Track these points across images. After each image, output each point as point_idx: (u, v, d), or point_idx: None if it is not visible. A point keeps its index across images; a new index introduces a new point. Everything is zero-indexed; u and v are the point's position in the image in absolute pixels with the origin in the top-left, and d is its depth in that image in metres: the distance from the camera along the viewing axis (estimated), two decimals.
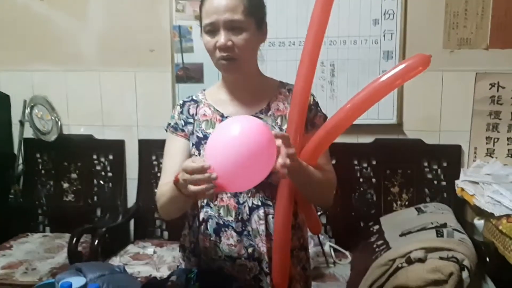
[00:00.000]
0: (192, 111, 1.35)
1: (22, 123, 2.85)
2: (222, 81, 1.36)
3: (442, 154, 2.61)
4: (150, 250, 2.62)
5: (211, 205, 1.30)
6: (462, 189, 2.41)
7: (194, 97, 1.37)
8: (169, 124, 1.37)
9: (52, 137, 2.85)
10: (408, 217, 2.35)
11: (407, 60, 1.11)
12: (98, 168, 2.93)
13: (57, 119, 2.90)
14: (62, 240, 2.72)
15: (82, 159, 2.93)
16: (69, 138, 2.93)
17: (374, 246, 2.24)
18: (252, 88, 1.32)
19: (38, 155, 2.97)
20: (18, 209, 2.89)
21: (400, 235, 2.16)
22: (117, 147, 2.92)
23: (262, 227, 1.26)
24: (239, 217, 1.27)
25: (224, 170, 0.99)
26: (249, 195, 1.27)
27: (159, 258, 2.52)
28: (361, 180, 2.67)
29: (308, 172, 1.20)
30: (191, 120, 1.34)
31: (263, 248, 1.26)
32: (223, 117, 1.31)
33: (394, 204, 2.60)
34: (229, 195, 1.28)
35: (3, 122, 2.96)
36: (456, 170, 2.55)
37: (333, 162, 2.66)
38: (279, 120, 1.30)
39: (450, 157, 2.59)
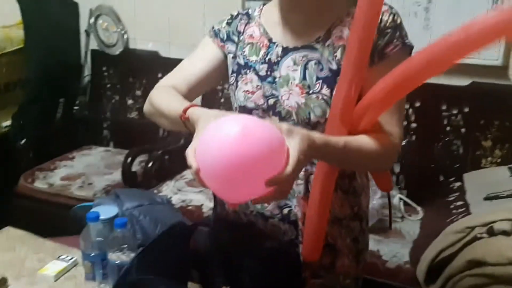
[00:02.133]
0: (240, 27, 1.11)
1: (88, 33, 2.76)
2: None
3: None
4: None
5: None
6: None
7: (249, 11, 1.14)
8: (213, 27, 1.15)
9: (117, 50, 2.75)
10: (498, 178, 2.00)
11: None
12: None
13: (122, 32, 2.76)
14: (123, 157, 2.67)
15: (147, 76, 2.82)
16: (135, 53, 2.82)
17: (452, 206, 1.95)
18: (310, 9, 1.01)
19: (104, 68, 2.90)
20: (83, 120, 2.90)
21: (485, 199, 1.84)
22: None
23: (300, 187, 1.03)
24: None
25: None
26: None
27: None
28: (447, 128, 2.28)
29: (343, 152, 0.90)
30: (236, 39, 1.10)
31: (299, 212, 1.04)
32: (271, 42, 1.04)
33: (484, 161, 2.22)
34: None
35: (71, 31, 2.89)
36: None
37: (417, 104, 2.37)
38: (339, 53, 0.98)
39: None
